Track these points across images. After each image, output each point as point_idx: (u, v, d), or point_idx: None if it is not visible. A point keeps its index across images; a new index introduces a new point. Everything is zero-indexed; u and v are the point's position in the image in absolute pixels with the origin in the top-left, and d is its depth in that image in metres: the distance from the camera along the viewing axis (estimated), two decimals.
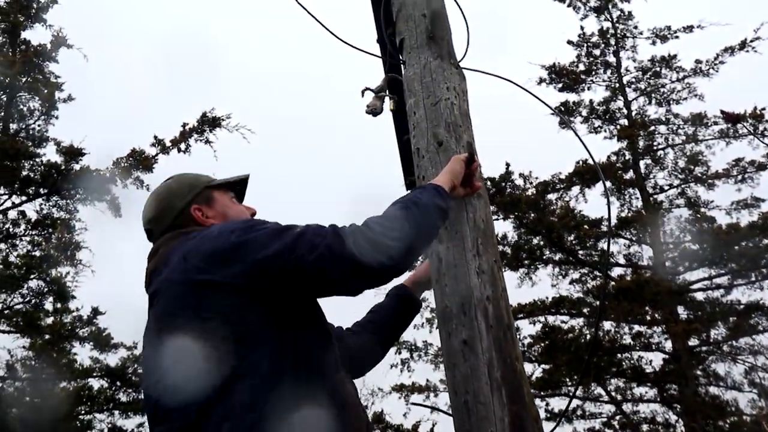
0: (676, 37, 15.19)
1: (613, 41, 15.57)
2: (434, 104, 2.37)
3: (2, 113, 11.68)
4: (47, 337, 10.66)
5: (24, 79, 11.66)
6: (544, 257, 14.18)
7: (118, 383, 11.00)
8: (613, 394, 13.78)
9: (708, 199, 14.41)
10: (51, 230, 11.15)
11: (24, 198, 11.49)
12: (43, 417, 9.91)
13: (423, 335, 15.52)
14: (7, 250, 11.36)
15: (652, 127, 15.01)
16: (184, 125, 11.27)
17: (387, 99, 2.62)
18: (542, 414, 13.24)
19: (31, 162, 11.20)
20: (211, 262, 1.60)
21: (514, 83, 2.91)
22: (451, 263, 2.13)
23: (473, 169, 2.14)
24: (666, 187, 14.84)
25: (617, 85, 15.41)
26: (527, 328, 13.99)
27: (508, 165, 13.75)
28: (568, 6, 15.83)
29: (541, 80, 15.38)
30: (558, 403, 13.97)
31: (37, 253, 11.22)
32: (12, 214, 11.53)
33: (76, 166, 10.86)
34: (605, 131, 15.23)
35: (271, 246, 1.57)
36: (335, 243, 1.57)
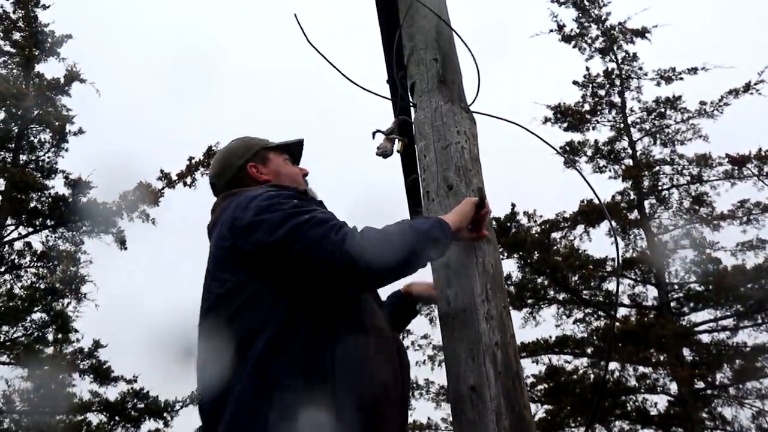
0: (681, 78, 15.34)
1: (618, 82, 15.72)
2: (444, 148, 2.38)
3: (13, 145, 11.77)
4: (47, 368, 10.57)
5: (36, 112, 11.77)
6: (548, 297, 14.10)
7: (117, 418, 10.86)
8: None
9: (713, 240, 14.37)
10: (56, 262, 11.14)
11: (30, 229, 11.53)
12: None
13: (425, 373, 15.38)
14: (12, 281, 11.34)
15: (657, 168, 15.04)
16: (190, 159, 11.35)
17: (396, 141, 2.63)
18: None
19: (39, 194, 11.25)
20: (234, 233, 1.82)
21: (522, 126, 2.92)
22: (460, 308, 2.11)
23: (483, 214, 2.13)
24: (671, 228, 14.82)
25: (622, 125, 15.50)
26: (530, 368, 13.86)
27: (513, 206, 13.80)
28: (574, 47, 16.03)
29: (547, 119, 15.51)
30: None
31: (42, 286, 11.18)
32: (18, 245, 11.57)
33: (83, 199, 10.91)
34: (610, 171, 15.27)
35: (278, 231, 1.72)
36: (331, 238, 1.69)
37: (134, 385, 11.44)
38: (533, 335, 13.87)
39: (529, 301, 13.93)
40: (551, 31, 16.07)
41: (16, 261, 11.35)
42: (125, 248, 11.19)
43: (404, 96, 2.72)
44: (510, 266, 13.92)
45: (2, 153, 11.81)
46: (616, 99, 15.73)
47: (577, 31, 16.10)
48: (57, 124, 11.61)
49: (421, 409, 14.62)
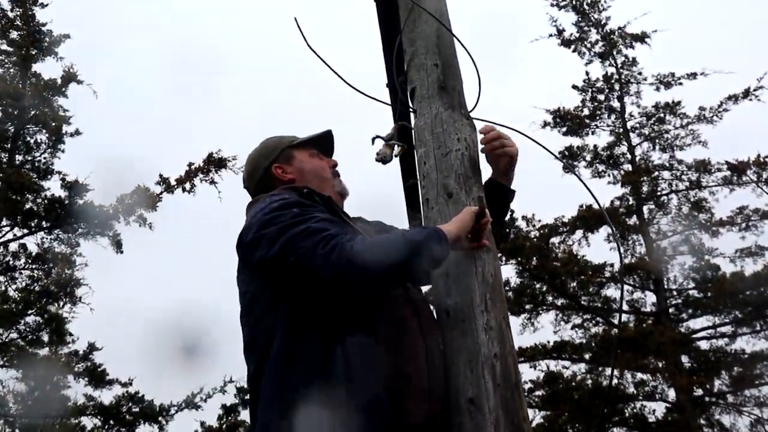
0: (680, 83, 15.36)
1: (617, 87, 15.73)
2: (445, 155, 2.33)
3: (9, 145, 11.71)
4: (41, 370, 10.50)
5: (33, 112, 11.72)
6: (547, 303, 14.08)
7: (112, 422, 10.79)
8: None
9: (712, 247, 14.36)
10: (51, 265, 11.09)
11: (26, 231, 11.46)
12: None
13: None
14: (6, 284, 11.28)
15: (656, 173, 15.04)
16: (189, 165, 11.30)
17: (396, 147, 2.60)
18: None
19: (35, 195, 11.19)
20: (242, 248, 1.93)
21: (522, 133, 2.88)
22: (459, 318, 2.08)
23: (483, 223, 2.10)
24: (669, 233, 14.80)
25: (621, 130, 15.50)
26: (528, 373, 13.83)
27: (512, 211, 13.75)
28: (573, 51, 16.03)
29: (546, 124, 15.52)
30: None
31: (36, 288, 11.13)
32: (13, 246, 11.51)
33: (80, 201, 10.85)
34: (609, 176, 15.28)
35: (275, 246, 1.79)
36: (319, 249, 1.73)
37: (129, 389, 11.40)
38: (531, 341, 13.86)
39: (528, 306, 13.90)
40: (551, 35, 16.09)
41: (11, 263, 11.31)
42: (121, 251, 11.16)
43: (404, 101, 2.69)
44: (509, 272, 13.92)
45: None
46: (616, 104, 15.75)
47: (577, 35, 16.12)
48: (54, 124, 11.55)
49: None
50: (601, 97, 15.81)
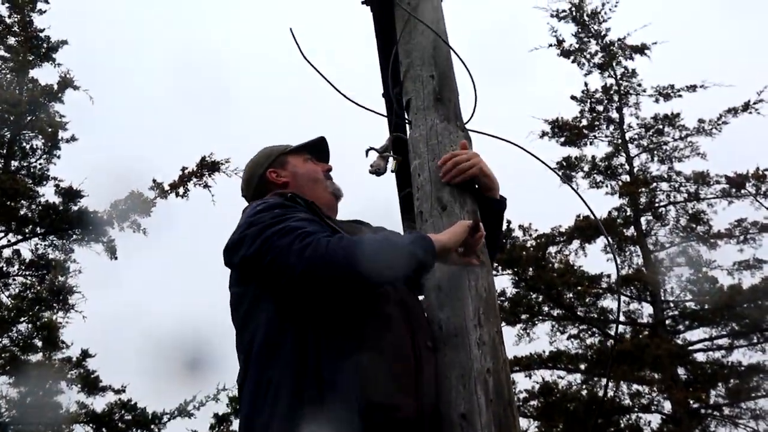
0: (679, 95, 15.37)
1: (616, 98, 15.74)
2: (439, 167, 2.33)
3: (5, 151, 11.68)
4: (34, 376, 10.40)
5: (29, 118, 11.68)
6: (543, 313, 14.05)
7: (104, 430, 10.70)
8: None
9: (710, 259, 14.34)
10: (45, 271, 11.03)
11: (20, 237, 11.39)
12: None
13: None
14: None
15: (654, 184, 15.03)
16: (183, 169, 11.24)
17: (391, 159, 2.58)
18: None
19: (30, 201, 11.14)
20: (228, 252, 1.96)
21: (518, 145, 2.87)
22: (452, 333, 2.05)
23: (477, 238, 2.08)
24: (667, 245, 14.79)
25: (620, 141, 15.50)
26: (523, 382, 13.79)
27: (509, 222, 13.74)
28: (573, 62, 16.05)
29: (544, 134, 15.51)
30: None
31: (29, 295, 11.05)
32: (6, 252, 11.42)
33: (74, 207, 10.79)
34: (607, 187, 15.27)
35: (254, 244, 1.82)
36: (293, 246, 1.75)
37: (122, 396, 11.30)
38: (527, 352, 13.82)
39: (524, 317, 13.87)
40: (550, 45, 16.11)
41: (5, 269, 11.23)
42: (116, 258, 11.10)
43: (399, 113, 2.67)
44: (504, 282, 13.88)
45: None
46: (614, 115, 15.75)
47: (577, 46, 16.14)
48: (50, 130, 11.52)
49: None
50: (600, 108, 15.82)
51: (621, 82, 15.79)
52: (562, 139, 15.49)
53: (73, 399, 11.18)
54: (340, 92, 2.58)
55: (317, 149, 2.41)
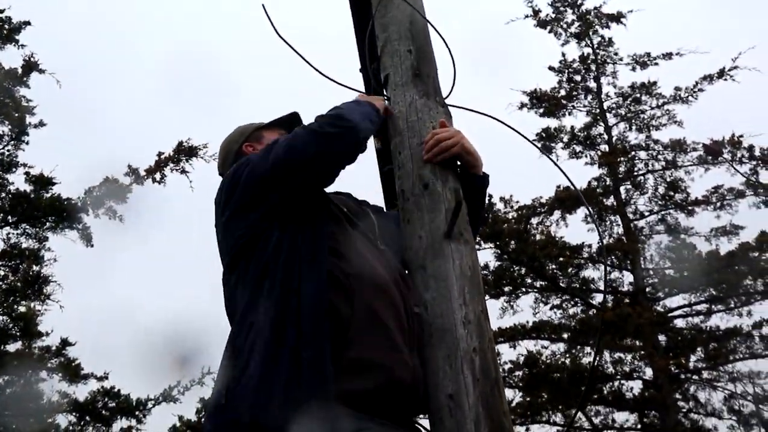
0: (656, 63, 15.40)
1: (593, 67, 15.73)
2: (420, 144, 2.27)
3: None
4: (13, 366, 10.20)
5: None
6: (526, 285, 14.14)
7: (87, 418, 10.58)
8: (594, 420, 13.70)
9: (688, 226, 14.51)
10: (19, 261, 10.77)
11: None
12: None
13: None
14: None
15: (633, 153, 15.11)
16: (159, 154, 10.98)
17: (372, 137, 2.53)
18: None
19: None
20: (220, 204, 2.02)
21: (496, 119, 2.83)
22: (437, 313, 2.03)
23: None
24: (646, 213, 14.93)
25: (598, 110, 15.53)
26: (508, 353, 13.91)
27: (490, 197, 13.74)
28: (550, 32, 15.98)
29: (522, 105, 15.49)
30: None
31: (3, 286, 10.80)
32: None
33: (46, 195, 10.51)
34: (586, 157, 15.32)
35: (232, 180, 1.97)
36: (269, 154, 1.93)
37: (105, 383, 11.16)
38: (511, 323, 13.92)
39: (507, 290, 13.95)
40: (527, 16, 16.01)
41: None
42: (91, 245, 10.87)
43: (377, 89, 2.61)
44: (487, 256, 13.92)
45: None
46: (592, 84, 15.76)
47: (553, 15, 16.05)
48: (16, 115, 11.16)
49: None
50: (578, 77, 15.82)
51: (598, 51, 15.78)
52: (541, 110, 15.49)
53: (55, 388, 11.05)
54: (315, 68, 2.51)
55: (290, 124, 2.41)
